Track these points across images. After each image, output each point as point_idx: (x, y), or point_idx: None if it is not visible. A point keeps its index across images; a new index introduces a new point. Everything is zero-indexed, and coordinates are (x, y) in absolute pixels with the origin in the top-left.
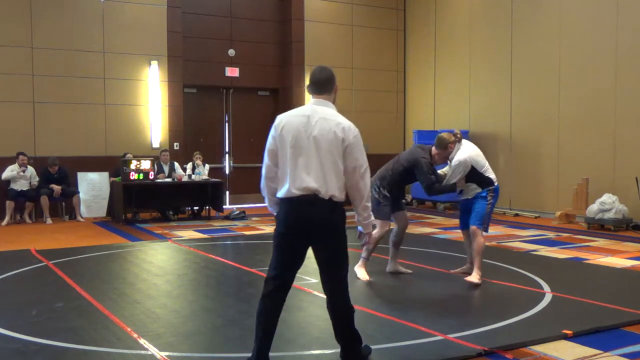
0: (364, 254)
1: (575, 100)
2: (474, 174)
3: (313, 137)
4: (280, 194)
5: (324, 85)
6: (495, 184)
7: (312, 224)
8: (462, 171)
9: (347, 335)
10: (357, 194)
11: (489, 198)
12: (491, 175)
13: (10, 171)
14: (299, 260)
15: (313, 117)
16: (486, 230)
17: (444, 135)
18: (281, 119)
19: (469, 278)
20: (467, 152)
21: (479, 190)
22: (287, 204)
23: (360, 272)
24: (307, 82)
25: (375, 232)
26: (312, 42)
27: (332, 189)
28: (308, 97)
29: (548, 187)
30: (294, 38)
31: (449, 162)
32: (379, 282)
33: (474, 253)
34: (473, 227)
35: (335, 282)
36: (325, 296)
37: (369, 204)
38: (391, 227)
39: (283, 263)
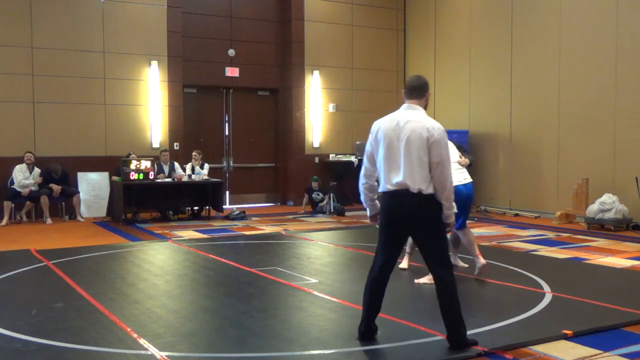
0: (407, 249)
1: (575, 100)
2: None
3: (402, 139)
4: (380, 189)
5: (416, 91)
6: None
7: (405, 214)
8: None
9: (451, 312)
10: (439, 186)
11: None
12: None
13: (20, 174)
14: (400, 244)
15: (402, 120)
16: None
17: None
18: (376, 124)
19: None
20: None
21: None
22: (385, 198)
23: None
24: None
25: None
26: (312, 42)
27: (419, 184)
28: (308, 97)
29: (548, 187)
30: (294, 38)
31: None
32: None
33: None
34: None
35: (434, 260)
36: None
37: (452, 196)
38: None
39: (387, 248)
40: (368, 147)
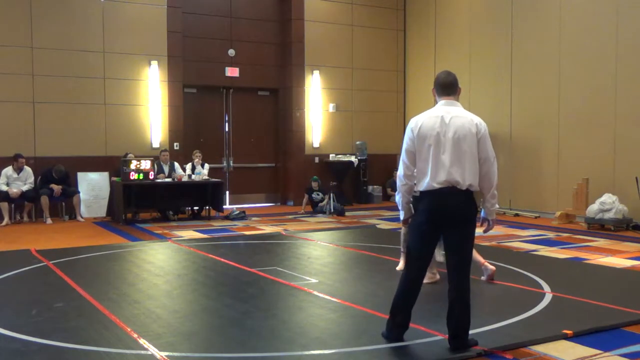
0: (403, 249)
1: (575, 100)
2: None
3: (449, 135)
4: (421, 187)
5: (451, 87)
6: None
7: (450, 212)
8: None
9: (459, 319)
10: (486, 182)
11: None
12: None
13: (4, 179)
14: (436, 242)
15: (446, 116)
16: None
17: None
18: (415, 121)
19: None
20: None
21: None
22: (428, 196)
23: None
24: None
25: None
26: (312, 42)
27: (470, 180)
28: (308, 97)
29: (548, 187)
30: (294, 38)
31: None
32: (379, 281)
33: None
34: None
35: (460, 261)
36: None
37: (496, 192)
38: None
39: (423, 248)
40: (408, 145)
